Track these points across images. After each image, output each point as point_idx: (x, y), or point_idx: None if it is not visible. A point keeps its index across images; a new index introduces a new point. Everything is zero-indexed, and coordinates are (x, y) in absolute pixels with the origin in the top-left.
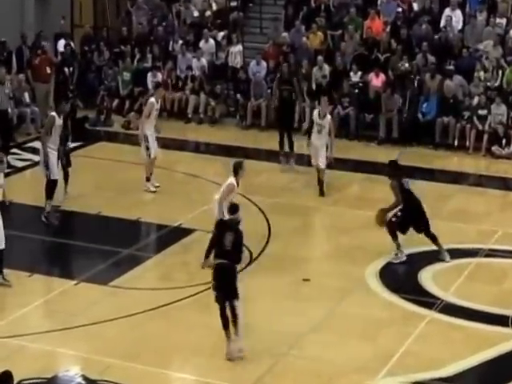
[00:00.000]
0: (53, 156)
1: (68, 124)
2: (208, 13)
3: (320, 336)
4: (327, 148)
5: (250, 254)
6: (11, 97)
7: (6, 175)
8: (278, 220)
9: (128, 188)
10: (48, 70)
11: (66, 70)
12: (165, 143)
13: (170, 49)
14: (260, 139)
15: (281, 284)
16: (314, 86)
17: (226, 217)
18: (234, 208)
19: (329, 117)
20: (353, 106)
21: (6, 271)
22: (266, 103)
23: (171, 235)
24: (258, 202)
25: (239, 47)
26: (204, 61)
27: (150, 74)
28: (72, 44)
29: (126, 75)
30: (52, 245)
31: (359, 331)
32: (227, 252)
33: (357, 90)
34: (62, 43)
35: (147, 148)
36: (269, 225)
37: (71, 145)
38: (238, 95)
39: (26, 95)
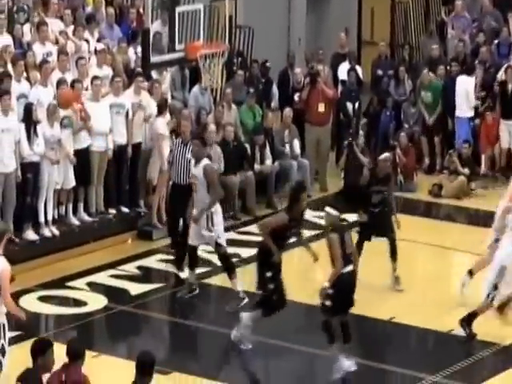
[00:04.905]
0: None
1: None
2: None
3: None
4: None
5: None
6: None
7: None
8: None
9: (438, 287)
10: (321, 107)
11: (350, 105)
12: None
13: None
14: None
15: None
16: None
17: None
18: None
19: None
20: None
21: None
22: None
23: (496, 358)
24: None
25: None
26: None
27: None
28: (358, 69)
29: None
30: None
31: None
32: None
33: None
34: (344, 68)
35: None
36: None
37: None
38: None
39: (296, 142)
